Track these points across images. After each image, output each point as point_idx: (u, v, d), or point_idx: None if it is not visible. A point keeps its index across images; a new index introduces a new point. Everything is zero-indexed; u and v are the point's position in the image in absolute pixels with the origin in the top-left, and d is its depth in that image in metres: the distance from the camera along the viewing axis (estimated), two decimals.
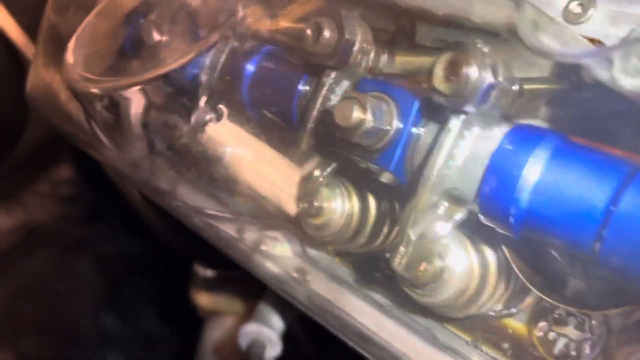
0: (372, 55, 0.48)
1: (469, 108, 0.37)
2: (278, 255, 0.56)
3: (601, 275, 0.36)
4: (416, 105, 0.42)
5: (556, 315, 0.44)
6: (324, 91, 0.48)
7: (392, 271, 0.48)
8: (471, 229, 0.41)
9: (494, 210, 0.37)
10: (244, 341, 0.72)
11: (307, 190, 0.49)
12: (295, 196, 0.50)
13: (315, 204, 0.48)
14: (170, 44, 0.55)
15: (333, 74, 0.48)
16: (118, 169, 0.65)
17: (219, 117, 0.52)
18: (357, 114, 0.41)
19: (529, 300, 0.45)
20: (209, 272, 0.97)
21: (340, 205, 0.49)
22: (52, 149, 1.34)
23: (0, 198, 1.34)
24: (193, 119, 0.52)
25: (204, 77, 0.51)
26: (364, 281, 0.53)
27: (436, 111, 0.41)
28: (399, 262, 0.40)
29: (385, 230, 0.50)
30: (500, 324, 0.46)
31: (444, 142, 0.39)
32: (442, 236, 0.40)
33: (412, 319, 0.49)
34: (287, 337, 0.77)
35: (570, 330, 0.43)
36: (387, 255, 0.51)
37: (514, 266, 0.42)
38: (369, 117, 0.42)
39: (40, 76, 0.71)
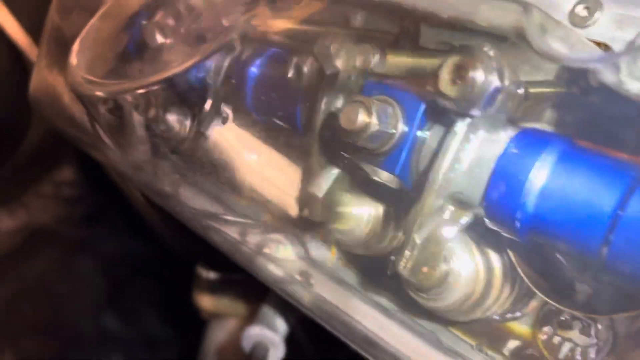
0: (376, 58, 0.48)
1: (475, 112, 0.37)
2: (281, 258, 0.56)
3: (608, 280, 0.36)
4: (421, 108, 0.42)
5: (561, 320, 0.43)
6: (328, 94, 0.48)
7: (396, 274, 0.48)
8: (477, 233, 0.41)
9: (500, 214, 0.37)
10: (247, 344, 0.72)
11: (330, 197, 0.49)
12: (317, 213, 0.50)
13: (341, 210, 0.48)
14: (173, 47, 0.55)
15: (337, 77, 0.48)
16: (121, 171, 0.65)
17: (224, 121, 0.52)
18: (362, 117, 0.41)
19: (533, 304, 0.45)
20: (211, 275, 0.97)
21: (365, 212, 0.49)
22: (54, 150, 1.34)
23: (3, 199, 1.34)
24: (197, 122, 0.52)
25: (209, 81, 0.51)
26: (368, 284, 0.53)
27: (441, 114, 0.41)
28: (404, 266, 0.40)
29: (389, 233, 0.50)
30: (505, 327, 0.46)
31: (449, 146, 0.39)
32: (448, 240, 0.40)
33: (416, 322, 0.49)
34: (289, 339, 0.77)
35: (576, 335, 0.43)
36: (392, 258, 0.51)
37: (519, 270, 0.42)
38: (374, 120, 0.41)
39: (43, 78, 0.71)
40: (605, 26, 0.39)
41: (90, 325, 1.39)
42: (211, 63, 0.52)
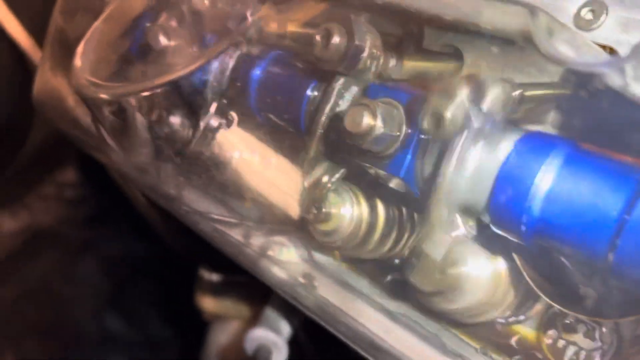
0: (381, 60, 0.48)
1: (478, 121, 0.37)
2: (285, 261, 0.56)
3: (614, 284, 0.36)
4: None
5: (566, 323, 0.43)
6: (332, 97, 0.48)
7: (400, 277, 0.48)
8: (482, 237, 0.41)
9: (505, 219, 0.37)
10: (250, 346, 0.72)
11: (315, 196, 0.49)
12: (301, 202, 0.50)
13: (324, 210, 0.48)
14: (177, 49, 0.55)
15: (342, 80, 0.48)
16: (125, 174, 0.65)
17: (229, 124, 0.52)
18: (367, 120, 0.41)
19: (538, 307, 0.45)
20: (214, 276, 0.97)
21: (349, 211, 0.48)
22: (56, 152, 1.34)
23: (6, 201, 1.34)
24: (202, 125, 0.52)
25: (214, 83, 0.51)
26: (372, 287, 0.53)
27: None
28: (413, 272, 0.40)
29: (394, 236, 0.50)
30: (509, 331, 0.46)
31: (454, 149, 0.39)
32: (455, 245, 0.40)
33: (421, 325, 0.49)
34: (291, 340, 0.77)
35: (580, 338, 0.43)
36: (397, 261, 0.51)
37: (524, 274, 0.42)
38: (379, 123, 0.41)
39: (47, 80, 0.71)
40: (610, 29, 0.39)
41: (92, 326, 1.39)
42: (216, 65, 0.52)
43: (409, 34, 0.52)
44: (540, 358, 0.44)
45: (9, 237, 1.33)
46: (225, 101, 0.53)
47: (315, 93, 0.50)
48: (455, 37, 0.48)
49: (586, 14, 0.40)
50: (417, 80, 0.48)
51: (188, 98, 0.53)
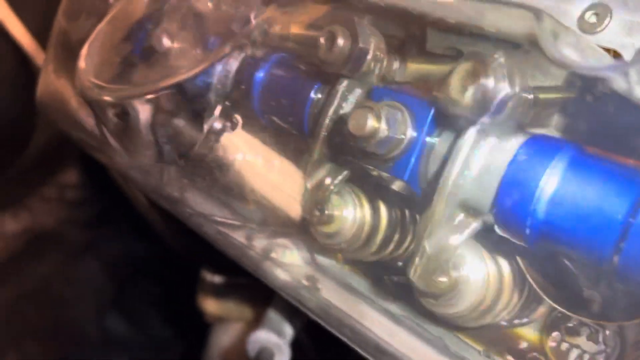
0: (384, 63, 0.48)
1: (485, 118, 0.37)
2: (288, 263, 0.56)
3: (618, 287, 0.36)
4: (431, 114, 0.42)
5: (569, 326, 0.43)
6: (336, 99, 0.48)
7: (403, 279, 0.48)
8: (486, 239, 0.41)
9: (510, 221, 0.37)
10: (252, 348, 0.72)
11: (317, 198, 0.49)
12: (304, 204, 0.50)
13: (326, 212, 0.48)
14: (181, 52, 0.55)
15: (345, 82, 0.48)
16: (129, 176, 0.65)
17: (233, 126, 0.52)
18: (371, 123, 0.41)
19: (541, 310, 0.45)
20: (216, 278, 0.97)
21: (351, 214, 0.48)
22: (59, 153, 1.34)
23: (7, 202, 1.34)
24: (206, 127, 0.52)
25: (218, 86, 0.51)
26: (375, 289, 0.53)
27: (451, 120, 0.41)
28: (414, 272, 0.40)
29: (396, 238, 0.50)
30: (512, 333, 0.46)
31: (459, 152, 0.39)
32: (458, 247, 0.40)
33: (424, 328, 0.48)
34: (292, 341, 0.77)
35: (583, 341, 0.43)
36: (399, 263, 0.51)
37: (528, 276, 0.42)
38: (383, 126, 0.41)
39: (50, 82, 0.71)
40: (614, 32, 0.39)
41: (93, 327, 1.39)
42: (220, 68, 0.52)
43: (412, 36, 0.52)
44: None
45: (10, 238, 1.33)
46: (229, 104, 0.53)
47: (319, 95, 0.50)
48: (458, 40, 0.48)
49: (590, 17, 0.40)
50: (420, 83, 0.48)
51: (192, 101, 0.53)
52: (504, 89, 0.36)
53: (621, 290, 0.36)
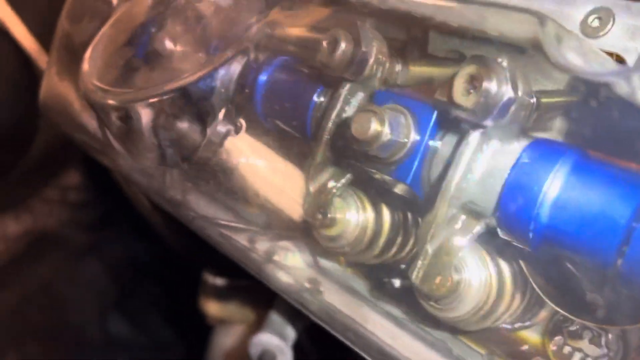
0: (387, 66, 0.48)
1: (488, 122, 0.37)
2: (290, 266, 0.56)
3: (621, 291, 0.36)
4: (433, 117, 0.42)
5: (572, 329, 0.43)
6: (339, 103, 0.48)
7: (405, 282, 0.48)
8: (488, 242, 0.41)
9: (513, 225, 0.37)
10: (254, 351, 0.72)
11: (320, 201, 0.49)
12: (307, 207, 0.50)
13: (329, 215, 0.48)
14: (184, 55, 0.55)
15: (348, 86, 0.48)
16: (132, 178, 0.65)
17: (237, 130, 0.52)
18: (374, 126, 0.41)
19: (544, 314, 0.45)
20: (218, 281, 0.97)
21: (354, 217, 0.48)
22: (60, 155, 1.34)
23: (9, 204, 1.34)
24: (209, 131, 0.52)
25: (221, 90, 0.51)
26: (377, 292, 0.53)
27: (454, 124, 0.41)
28: (416, 275, 0.40)
29: (399, 241, 0.50)
30: (515, 337, 0.46)
31: (462, 156, 0.39)
32: (460, 250, 0.40)
33: (426, 331, 0.48)
34: (294, 344, 0.77)
35: (586, 345, 0.43)
36: (402, 266, 0.51)
37: (530, 280, 0.42)
38: (386, 129, 0.41)
39: (53, 85, 0.72)
40: (617, 37, 0.39)
41: (95, 329, 1.39)
42: (224, 72, 0.52)
43: (414, 39, 0.52)
44: None
45: (12, 240, 1.34)
46: (232, 107, 0.53)
47: (322, 99, 0.50)
48: (460, 43, 0.48)
49: (593, 21, 0.40)
50: (423, 86, 0.48)
51: (196, 104, 0.53)
52: (507, 93, 0.36)
53: (624, 294, 0.36)
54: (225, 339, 0.99)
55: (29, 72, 1.16)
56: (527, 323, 0.45)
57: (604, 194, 0.34)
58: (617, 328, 0.41)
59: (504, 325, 0.45)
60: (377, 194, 0.49)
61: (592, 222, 0.34)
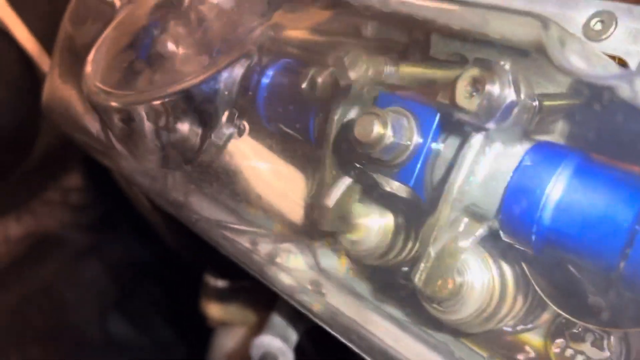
0: (388, 69, 0.48)
1: (491, 125, 0.37)
2: (292, 268, 0.56)
3: (624, 294, 0.36)
4: (436, 120, 0.42)
5: (574, 332, 0.43)
6: (342, 105, 0.48)
7: (407, 284, 0.48)
8: (491, 245, 0.41)
9: (515, 227, 0.37)
10: (256, 353, 0.72)
11: (341, 207, 0.49)
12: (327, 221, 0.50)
13: (352, 221, 0.48)
14: (187, 57, 0.55)
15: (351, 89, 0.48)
16: (134, 180, 0.65)
17: (240, 133, 0.52)
18: (377, 129, 0.41)
19: (546, 316, 0.45)
20: (219, 283, 0.97)
21: (376, 222, 0.49)
22: (62, 157, 1.35)
23: (11, 206, 1.34)
24: (212, 134, 0.52)
25: (225, 92, 0.51)
26: (379, 294, 0.53)
27: (456, 126, 0.41)
28: (419, 278, 0.40)
29: (400, 243, 0.50)
30: (517, 339, 0.46)
31: (465, 158, 0.39)
32: (463, 252, 0.40)
33: (429, 333, 0.49)
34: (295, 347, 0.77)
35: (588, 348, 0.43)
36: (404, 269, 0.51)
37: (533, 282, 0.42)
38: (389, 132, 0.41)
39: (56, 87, 0.72)
40: (619, 40, 0.39)
41: (96, 330, 1.39)
42: (227, 74, 0.53)
43: (416, 42, 0.52)
44: None
45: (13, 242, 1.34)
46: (235, 110, 0.54)
47: None
48: (462, 46, 0.49)
49: (595, 24, 0.40)
50: (426, 89, 0.48)
51: (199, 106, 0.53)
52: (510, 96, 0.36)
53: (627, 297, 0.36)
54: (227, 341, 0.99)
55: (31, 74, 1.16)
56: (530, 325, 0.45)
57: (606, 197, 0.34)
58: (619, 331, 0.41)
59: (506, 328, 0.45)
60: (380, 196, 0.49)
61: (595, 225, 0.34)
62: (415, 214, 0.48)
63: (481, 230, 0.40)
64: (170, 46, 0.56)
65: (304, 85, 0.46)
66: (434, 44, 0.51)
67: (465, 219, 0.40)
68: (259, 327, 0.79)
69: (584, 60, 0.35)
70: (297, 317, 0.74)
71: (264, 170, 0.54)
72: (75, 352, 1.34)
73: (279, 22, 0.54)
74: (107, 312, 1.40)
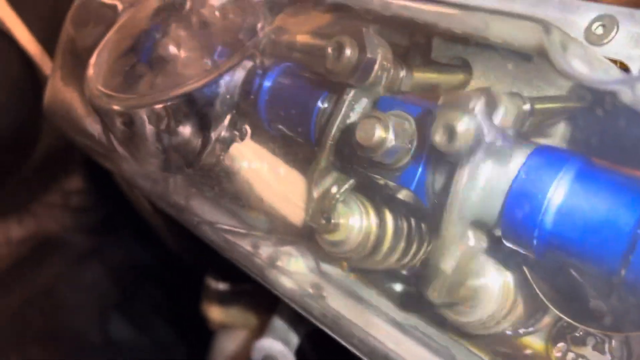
0: (391, 72, 0.48)
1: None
2: (293, 271, 0.56)
3: (626, 298, 0.36)
4: None
5: (575, 336, 0.43)
6: (343, 109, 0.48)
7: (410, 288, 0.48)
8: (493, 249, 0.41)
9: (517, 232, 0.37)
10: (257, 356, 0.72)
11: (324, 206, 0.49)
12: (310, 212, 0.50)
13: (333, 220, 0.48)
14: (189, 61, 0.56)
15: (352, 92, 0.48)
16: (136, 183, 0.65)
17: (242, 136, 0.52)
18: (379, 133, 0.41)
19: (547, 320, 0.45)
20: (221, 285, 0.97)
21: (357, 222, 0.48)
22: (63, 159, 1.35)
23: (12, 208, 1.34)
24: (214, 137, 0.52)
25: (227, 95, 0.52)
26: (380, 297, 0.53)
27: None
28: (433, 293, 0.40)
29: (402, 247, 0.50)
30: (518, 343, 0.46)
31: (466, 164, 0.39)
32: (469, 260, 0.40)
33: (430, 337, 0.49)
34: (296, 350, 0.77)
35: (589, 351, 0.43)
36: (405, 272, 0.51)
37: (534, 286, 0.42)
38: (390, 136, 0.41)
39: (58, 90, 0.72)
40: (621, 44, 0.39)
41: (97, 332, 1.39)
42: (229, 77, 0.53)
43: (417, 45, 0.52)
44: None
45: (15, 244, 1.34)
46: (237, 113, 0.54)
47: (326, 105, 0.51)
48: (464, 50, 0.49)
49: (597, 28, 0.40)
50: (427, 93, 0.49)
51: (200, 110, 0.53)
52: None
53: (628, 300, 0.36)
54: (228, 344, 0.99)
55: (32, 77, 1.16)
56: (531, 329, 0.45)
57: (608, 201, 0.34)
58: (621, 334, 0.41)
59: (508, 331, 0.45)
60: (381, 199, 0.49)
61: (597, 229, 0.34)
62: (416, 217, 0.48)
63: (485, 236, 0.40)
64: (172, 49, 0.56)
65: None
66: (435, 47, 0.51)
67: (469, 225, 0.40)
68: (260, 330, 0.79)
69: (586, 65, 0.35)
70: (298, 320, 0.74)
71: (266, 173, 0.54)
72: (76, 354, 1.34)
73: (281, 26, 0.54)
74: (108, 314, 1.40)
